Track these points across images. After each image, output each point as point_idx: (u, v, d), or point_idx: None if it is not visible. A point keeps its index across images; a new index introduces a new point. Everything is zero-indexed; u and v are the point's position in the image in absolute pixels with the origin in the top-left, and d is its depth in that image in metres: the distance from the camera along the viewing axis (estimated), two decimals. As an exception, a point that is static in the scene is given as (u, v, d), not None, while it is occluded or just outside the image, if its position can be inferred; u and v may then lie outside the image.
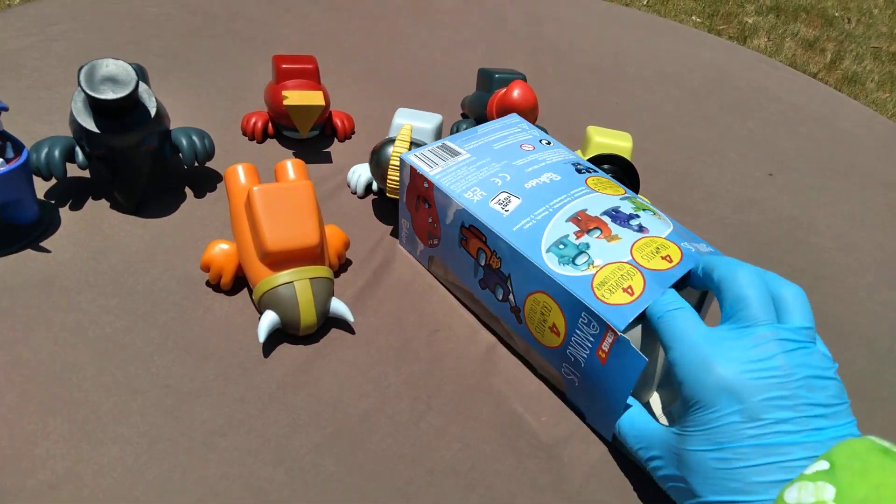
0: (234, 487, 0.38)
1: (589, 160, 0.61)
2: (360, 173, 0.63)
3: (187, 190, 0.60)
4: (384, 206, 0.62)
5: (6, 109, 0.49)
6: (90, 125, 0.51)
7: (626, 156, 0.62)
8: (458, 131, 0.73)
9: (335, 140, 0.71)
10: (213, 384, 0.44)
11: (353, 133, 0.72)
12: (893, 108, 2.44)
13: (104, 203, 0.57)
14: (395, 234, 0.59)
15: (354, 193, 0.63)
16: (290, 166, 0.52)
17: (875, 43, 2.89)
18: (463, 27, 1.03)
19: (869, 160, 0.86)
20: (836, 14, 3.10)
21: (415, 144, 0.57)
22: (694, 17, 2.86)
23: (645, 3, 2.87)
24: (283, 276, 0.46)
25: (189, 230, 0.55)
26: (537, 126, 0.74)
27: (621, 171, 0.61)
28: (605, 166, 0.61)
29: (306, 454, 0.41)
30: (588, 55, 1.02)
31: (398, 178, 0.55)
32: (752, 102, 0.96)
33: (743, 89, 1.00)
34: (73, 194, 0.57)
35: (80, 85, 0.49)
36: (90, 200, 0.57)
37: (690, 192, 0.73)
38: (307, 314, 0.46)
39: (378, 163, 0.57)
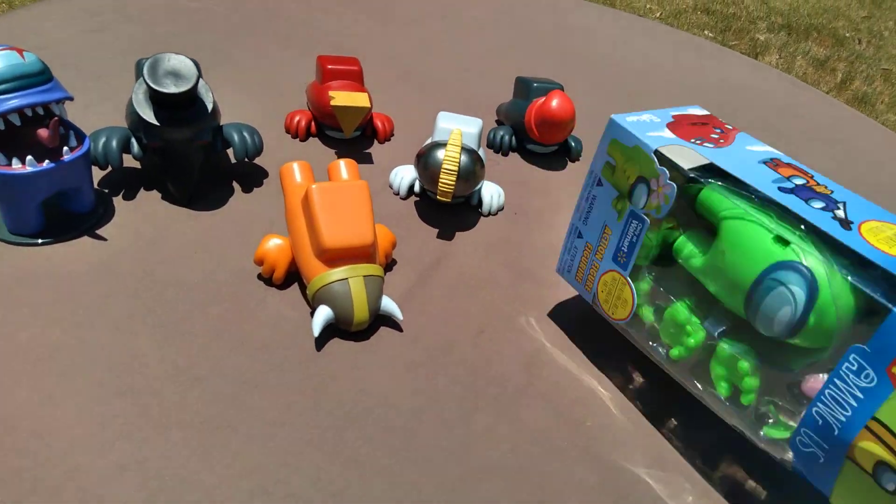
0: (293, 476, 0.39)
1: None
2: (403, 175, 0.64)
3: (235, 184, 0.61)
4: (427, 208, 0.63)
5: (71, 99, 0.50)
6: (150, 117, 0.52)
7: None
8: (494, 138, 0.74)
9: (375, 141, 0.72)
10: (270, 375, 0.45)
11: (393, 135, 0.73)
12: (902, 130, 2.46)
13: (156, 194, 0.58)
14: (440, 236, 0.60)
15: (397, 194, 0.64)
16: (343, 166, 0.53)
17: (885, 65, 2.92)
18: (495, 35, 1.05)
19: (892, 179, 0.88)
20: (847, 35, 3.12)
21: (464, 149, 0.58)
22: (706, 32, 2.89)
23: (658, 15, 2.90)
24: (339, 272, 0.48)
25: (238, 224, 0.57)
26: (573, 136, 0.76)
27: None
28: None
29: (361, 446, 0.42)
30: (616, 67, 1.03)
31: (451, 182, 0.56)
32: (777, 119, 0.98)
33: (769, 107, 1.01)
34: (126, 185, 0.58)
35: (143, 77, 0.50)
36: (142, 191, 0.58)
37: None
38: (361, 311, 0.47)
39: (427, 165, 0.58)
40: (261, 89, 0.76)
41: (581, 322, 0.54)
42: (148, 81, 0.50)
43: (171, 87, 0.51)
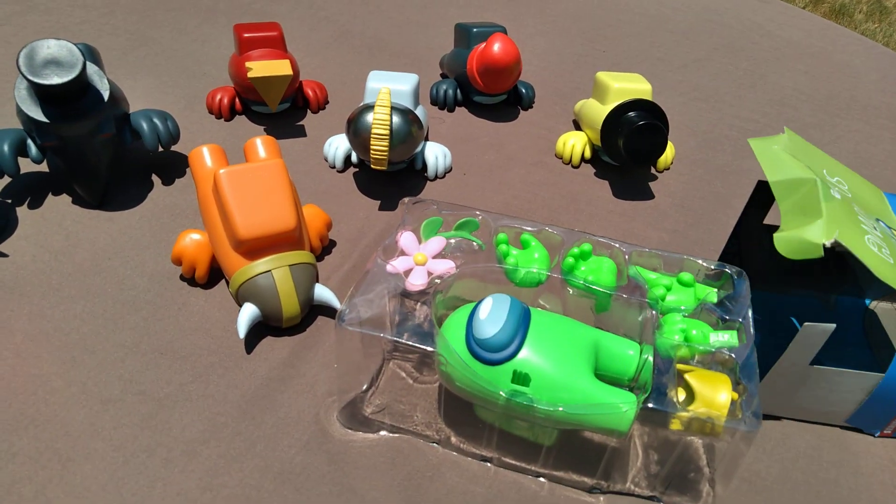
0: (218, 499, 0.35)
1: (615, 109, 0.57)
2: (338, 145, 0.59)
3: (154, 177, 0.56)
4: (367, 179, 0.58)
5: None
6: (37, 114, 0.47)
7: (649, 97, 0.58)
8: (437, 93, 0.69)
9: (308, 112, 0.66)
10: (192, 387, 0.40)
11: (327, 103, 0.68)
12: (883, 38, 2.39)
13: (66, 198, 0.53)
14: (383, 207, 0.55)
15: (333, 167, 0.59)
16: (260, 144, 0.48)
17: (862, -29, 2.82)
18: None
19: (871, 93, 0.82)
20: (821, -56, 3.01)
21: (395, 109, 0.53)
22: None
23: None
24: (260, 264, 0.43)
25: (158, 221, 0.52)
26: (523, 82, 0.70)
27: (651, 114, 0.57)
28: (632, 113, 0.57)
29: (295, 455, 0.38)
30: (569, 2, 0.97)
31: (384, 147, 0.51)
32: (745, 40, 0.92)
33: (734, 27, 0.95)
34: (32, 190, 0.53)
35: (19, 70, 0.45)
36: (50, 196, 0.53)
37: (687, 141, 0.69)
38: (289, 304, 0.43)
39: (357, 132, 0.53)
40: (182, 69, 0.70)
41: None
42: (25, 74, 0.45)
43: (52, 78, 0.45)
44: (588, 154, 0.63)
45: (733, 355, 0.36)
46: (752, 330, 0.38)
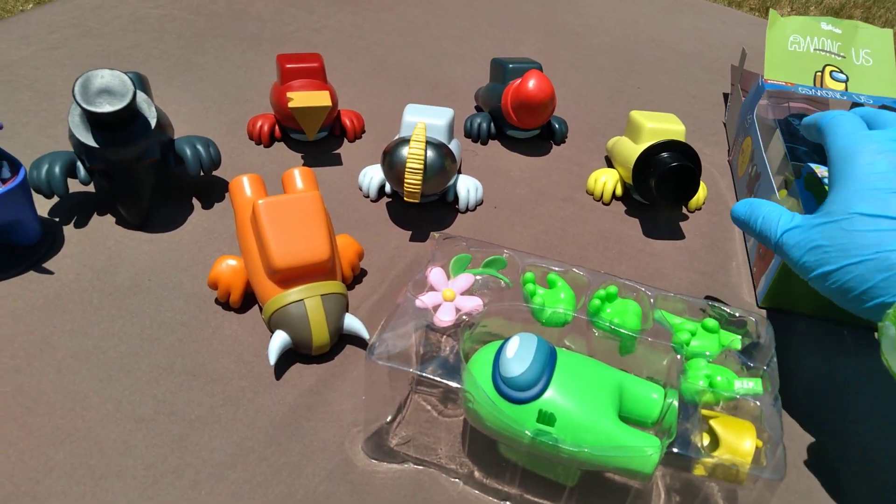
0: (245, 523, 0.36)
1: (647, 149, 0.57)
2: (372, 176, 0.60)
3: (194, 201, 0.58)
4: (400, 210, 0.59)
5: (0, 128, 0.47)
6: (88, 140, 0.49)
7: (682, 139, 0.59)
8: (471, 126, 0.70)
9: (345, 140, 0.68)
10: (222, 410, 0.42)
11: (364, 132, 0.69)
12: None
13: (110, 218, 0.55)
14: (414, 238, 0.56)
15: (367, 197, 0.61)
16: (298, 175, 0.49)
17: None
18: (474, 14, 1.00)
19: None
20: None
21: (430, 143, 0.54)
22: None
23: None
24: (293, 293, 0.44)
25: (197, 244, 0.53)
26: (556, 117, 0.71)
27: (684, 156, 0.57)
28: (665, 154, 0.57)
29: (319, 483, 0.38)
30: (604, 37, 0.98)
31: (417, 181, 0.52)
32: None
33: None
34: (78, 210, 0.55)
35: (74, 98, 0.47)
36: (95, 216, 0.55)
37: (719, 181, 0.69)
38: (319, 333, 0.44)
39: (392, 164, 0.54)
40: (225, 95, 0.72)
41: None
42: (79, 102, 0.47)
43: (104, 107, 0.47)
44: (619, 192, 0.63)
45: (758, 403, 0.36)
46: (776, 378, 0.38)
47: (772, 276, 0.52)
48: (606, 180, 0.63)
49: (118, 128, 0.50)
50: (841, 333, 0.52)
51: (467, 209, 0.60)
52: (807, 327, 0.52)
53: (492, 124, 0.70)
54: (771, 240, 0.43)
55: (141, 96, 0.51)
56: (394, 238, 0.56)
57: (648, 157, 0.57)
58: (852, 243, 0.37)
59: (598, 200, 0.64)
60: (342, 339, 0.47)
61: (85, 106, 0.47)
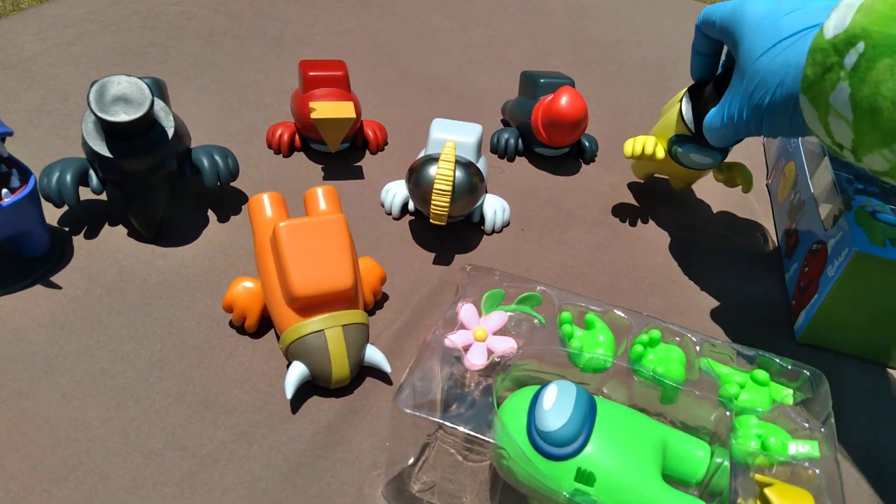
0: (257, 575, 0.34)
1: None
2: (396, 192, 0.58)
3: (210, 213, 0.55)
4: (423, 229, 0.57)
5: (10, 134, 0.44)
6: (102, 149, 0.47)
7: None
8: (498, 142, 0.67)
9: (367, 153, 0.65)
10: (235, 446, 0.39)
11: (387, 144, 0.67)
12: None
13: (121, 230, 0.53)
14: (438, 260, 0.54)
15: (389, 214, 0.58)
16: (321, 195, 0.47)
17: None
18: (501, 22, 0.97)
19: None
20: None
21: (458, 163, 0.52)
22: None
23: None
24: (313, 323, 0.41)
25: (212, 261, 0.51)
26: (586, 135, 0.68)
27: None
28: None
29: (338, 532, 0.36)
30: (635, 50, 0.95)
31: (445, 203, 0.49)
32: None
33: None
34: (90, 220, 0.53)
35: (89, 105, 0.44)
36: (106, 227, 0.53)
37: (753, 210, 0.66)
38: (339, 366, 0.41)
39: (418, 183, 0.51)
40: (244, 100, 0.70)
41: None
42: (94, 110, 0.44)
43: (120, 116, 0.45)
44: (660, 154, 0.56)
45: (818, 471, 0.33)
46: (835, 440, 0.35)
47: (814, 310, 0.49)
48: (646, 140, 0.56)
49: (134, 137, 0.47)
50: (885, 375, 0.49)
51: (493, 231, 0.58)
52: (852, 371, 0.50)
53: (519, 140, 0.67)
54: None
55: (158, 104, 0.49)
56: (416, 260, 0.54)
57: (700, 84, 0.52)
58: (768, 74, 0.40)
59: (640, 157, 0.57)
60: (363, 372, 0.44)
61: (100, 114, 0.44)
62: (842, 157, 0.38)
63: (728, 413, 0.36)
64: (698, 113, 0.51)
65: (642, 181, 0.65)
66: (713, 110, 0.47)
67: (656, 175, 0.64)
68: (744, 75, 0.42)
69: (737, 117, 0.44)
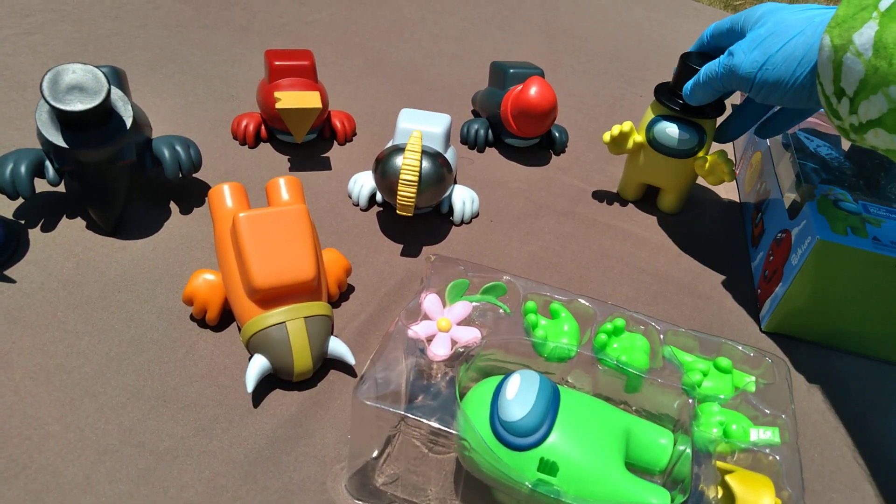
0: (215, 572, 0.33)
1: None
2: (363, 183, 0.57)
3: (172, 205, 0.54)
4: (391, 220, 0.56)
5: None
6: (57, 139, 0.45)
7: None
8: (468, 133, 0.67)
9: (335, 143, 0.65)
10: (194, 441, 0.38)
11: (355, 135, 0.66)
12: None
13: (80, 222, 0.51)
14: (406, 252, 0.53)
15: (356, 206, 0.57)
16: (283, 185, 0.46)
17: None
18: (473, 12, 0.96)
19: None
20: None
21: (425, 153, 0.51)
22: (711, -6, 2.76)
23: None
24: (274, 315, 0.41)
25: (173, 253, 0.50)
26: (557, 126, 0.68)
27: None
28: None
29: (300, 528, 0.35)
30: (608, 42, 0.95)
31: (411, 194, 0.49)
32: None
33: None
34: (45, 212, 0.52)
35: (42, 94, 0.43)
36: (64, 219, 0.51)
37: (721, 199, 0.66)
38: (302, 359, 0.41)
39: (384, 174, 0.51)
40: (210, 90, 0.69)
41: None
42: (48, 99, 0.43)
43: (75, 105, 0.44)
44: (637, 137, 0.57)
45: (777, 457, 0.33)
46: (795, 427, 0.35)
47: (779, 298, 0.49)
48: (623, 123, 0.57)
49: (90, 127, 0.46)
50: (849, 362, 0.50)
51: (462, 222, 0.57)
52: (809, 356, 0.50)
53: (489, 131, 0.67)
54: (718, 70, 0.48)
55: (116, 93, 0.48)
56: (383, 252, 0.53)
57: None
58: (789, 25, 0.44)
59: (617, 140, 0.58)
60: (326, 364, 0.43)
61: (54, 103, 0.43)
62: (832, 111, 0.40)
63: (691, 401, 0.36)
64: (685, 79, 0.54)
65: (631, 199, 0.64)
66: (711, 62, 0.49)
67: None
68: (762, 26, 0.45)
69: (737, 61, 0.46)
